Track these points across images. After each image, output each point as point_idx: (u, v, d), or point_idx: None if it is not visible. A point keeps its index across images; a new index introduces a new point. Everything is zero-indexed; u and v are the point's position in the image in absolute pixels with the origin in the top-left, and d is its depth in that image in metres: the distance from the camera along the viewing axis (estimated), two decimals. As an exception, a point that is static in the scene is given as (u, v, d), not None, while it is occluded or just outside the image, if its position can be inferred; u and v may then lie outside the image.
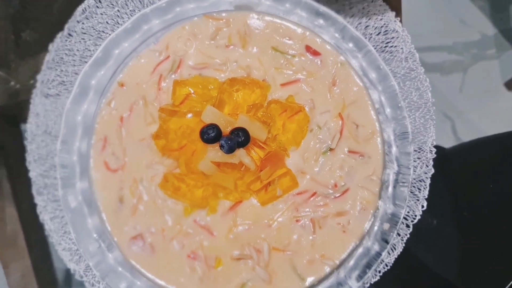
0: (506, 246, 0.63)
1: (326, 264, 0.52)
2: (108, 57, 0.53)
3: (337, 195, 0.53)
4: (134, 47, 0.54)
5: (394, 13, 0.56)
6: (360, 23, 0.56)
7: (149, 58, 0.54)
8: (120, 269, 0.51)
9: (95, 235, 0.52)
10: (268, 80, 0.54)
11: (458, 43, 1.33)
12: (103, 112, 0.53)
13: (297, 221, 0.52)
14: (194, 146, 0.51)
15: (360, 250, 0.53)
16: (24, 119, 0.53)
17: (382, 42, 0.56)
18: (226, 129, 0.50)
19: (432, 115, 0.55)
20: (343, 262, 0.52)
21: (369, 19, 0.56)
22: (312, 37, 0.55)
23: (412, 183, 0.54)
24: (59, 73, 0.53)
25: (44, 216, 0.52)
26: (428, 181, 0.54)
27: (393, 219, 0.53)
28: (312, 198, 0.53)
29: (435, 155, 0.54)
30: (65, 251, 0.52)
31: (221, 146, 0.49)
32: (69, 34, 0.53)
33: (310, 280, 0.52)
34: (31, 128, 0.53)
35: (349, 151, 0.54)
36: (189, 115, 0.51)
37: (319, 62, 0.55)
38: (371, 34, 0.56)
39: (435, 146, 0.55)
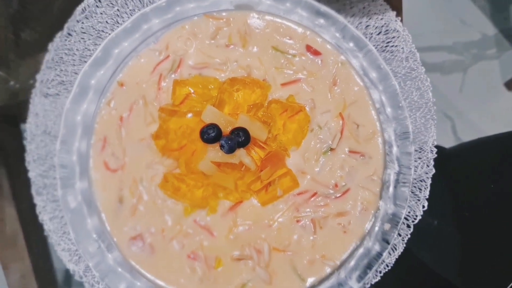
0: (506, 246, 0.63)
1: (326, 264, 0.52)
2: (107, 57, 0.53)
3: (338, 195, 0.53)
4: (134, 46, 0.54)
5: (394, 12, 0.56)
6: (360, 23, 0.56)
7: (149, 58, 0.53)
8: (119, 269, 0.51)
9: (94, 236, 0.51)
10: (268, 79, 0.54)
11: (458, 43, 1.33)
12: (102, 112, 0.53)
13: (297, 221, 0.52)
14: (194, 146, 0.50)
15: (360, 250, 0.53)
16: (24, 119, 0.53)
17: (383, 41, 0.56)
18: (226, 129, 0.50)
19: (433, 115, 0.55)
20: (343, 263, 0.52)
21: (370, 18, 0.56)
22: (313, 37, 0.54)
23: (412, 183, 0.54)
24: (58, 72, 0.53)
25: (44, 216, 0.51)
26: (429, 181, 0.54)
27: (394, 219, 0.53)
28: (312, 198, 0.52)
29: (435, 155, 0.54)
30: (65, 252, 0.51)
31: (221, 146, 0.48)
32: (69, 34, 0.53)
33: (310, 280, 0.51)
34: (31, 128, 0.52)
35: (350, 151, 0.53)
36: (189, 115, 0.51)
37: (319, 61, 0.54)
38: (371, 33, 0.56)
39: (436, 146, 0.55)
